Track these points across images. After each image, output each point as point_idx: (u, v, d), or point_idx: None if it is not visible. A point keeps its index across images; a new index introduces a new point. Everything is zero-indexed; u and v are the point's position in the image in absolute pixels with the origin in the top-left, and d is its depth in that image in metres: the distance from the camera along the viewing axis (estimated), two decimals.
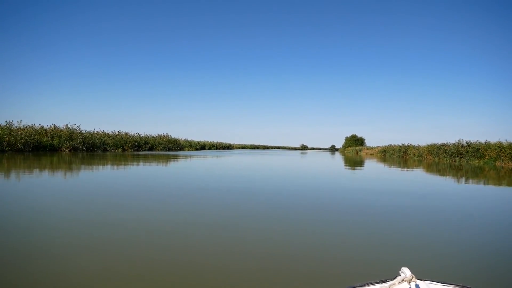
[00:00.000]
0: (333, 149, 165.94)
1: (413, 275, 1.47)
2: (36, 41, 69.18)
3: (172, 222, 4.54)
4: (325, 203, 6.63)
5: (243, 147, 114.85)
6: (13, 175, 10.26)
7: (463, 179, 13.99)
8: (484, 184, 12.31)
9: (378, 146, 61.92)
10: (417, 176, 14.84)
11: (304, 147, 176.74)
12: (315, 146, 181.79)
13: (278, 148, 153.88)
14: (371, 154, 62.42)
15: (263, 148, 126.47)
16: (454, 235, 4.40)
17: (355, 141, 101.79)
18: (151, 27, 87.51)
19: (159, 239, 3.75)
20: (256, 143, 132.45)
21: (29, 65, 70.81)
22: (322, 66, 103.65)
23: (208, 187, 8.56)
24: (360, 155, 60.79)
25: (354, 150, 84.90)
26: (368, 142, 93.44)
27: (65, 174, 10.94)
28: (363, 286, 1.54)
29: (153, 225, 4.34)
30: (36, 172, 11.44)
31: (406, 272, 1.49)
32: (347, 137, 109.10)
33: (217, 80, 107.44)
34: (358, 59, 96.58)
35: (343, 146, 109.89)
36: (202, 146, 68.22)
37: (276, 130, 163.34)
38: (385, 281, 1.52)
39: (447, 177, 14.88)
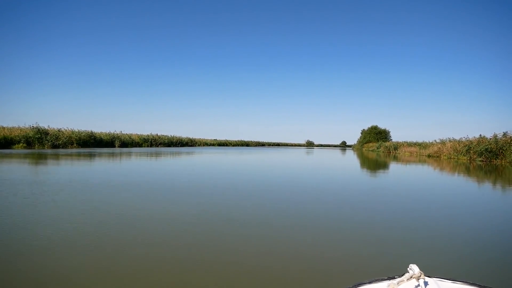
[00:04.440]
0: (344, 145, 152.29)
1: (422, 272, 1.46)
2: (30, 40, 64.30)
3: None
4: (334, 201, 6.54)
5: (224, 143, 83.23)
6: None
7: None
8: None
9: (451, 140, 29.49)
10: None
11: (310, 144, 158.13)
12: (323, 143, 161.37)
13: (278, 145, 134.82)
14: (428, 156, 30.38)
15: (254, 145, 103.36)
16: (464, 233, 4.33)
17: (376, 135, 69.94)
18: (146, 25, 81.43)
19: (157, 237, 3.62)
20: (261, 140, 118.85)
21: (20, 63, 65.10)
22: (327, 63, 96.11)
23: None
24: (396, 156, 32.45)
25: (381, 146, 52.45)
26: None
27: None
28: (370, 282, 1.52)
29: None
30: None
31: (414, 269, 1.48)
32: (364, 130, 79.40)
33: (216, 78, 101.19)
34: (366, 55, 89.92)
35: (359, 141, 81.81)
36: (93, 141, 35.95)
37: (280, 127, 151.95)
38: (393, 278, 1.52)
39: None
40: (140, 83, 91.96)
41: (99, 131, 39.10)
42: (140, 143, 45.89)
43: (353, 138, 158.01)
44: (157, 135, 50.42)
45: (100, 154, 20.29)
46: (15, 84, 67.56)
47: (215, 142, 79.11)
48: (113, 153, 22.75)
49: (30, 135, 27.08)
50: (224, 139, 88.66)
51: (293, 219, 4.73)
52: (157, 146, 47.76)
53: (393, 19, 77.62)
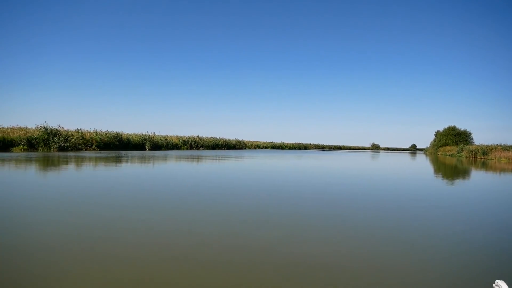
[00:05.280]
0: (414, 149, 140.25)
1: None
2: (32, 40, 58.55)
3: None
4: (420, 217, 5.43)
5: (279, 146, 77.26)
6: None
7: None
8: None
9: None
10: None
11: (375, 147, 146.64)
12: (389, 146, 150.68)
13: (340, 148, 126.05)
14: None
15: (313, 148, 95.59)
16: None
17: (454, 137, 59.82)
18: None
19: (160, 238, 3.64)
20: (321, 143, 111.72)
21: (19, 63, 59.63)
22: (395, 60, 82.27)
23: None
24: (487, 164, 24.86)
25: (464, 150, 42.94)
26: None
27: None
28: None
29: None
30: None
31: (502, 286, 1.35)
32: (439, 131, 69.57)
33: (276, 80, 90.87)
34: (439, 48, 76.18)
35: (432, 145, 71.23)
36: (118, 143, 32.00)
37: (344, 129, 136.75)
38: None
39: None
40: (192, 85, 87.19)
41: (130, 132, 35.47)
42: (179, 145, 41.74)
43: (424, 140, 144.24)
44: (198, 136, 45.88)
45: (96, 159, 15.48)
46: (33, 82, 63.80)
47: (268, 145, 73.39)
48: (117, 157, 17.99)
49: (34, 136, 23.45)
50: (281, 141, 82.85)
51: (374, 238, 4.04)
52: (198, 149, 43.33)
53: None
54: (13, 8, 51.49)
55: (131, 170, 11.64)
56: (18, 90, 59.50)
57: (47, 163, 13.45)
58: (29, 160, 14.39)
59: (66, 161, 14.33)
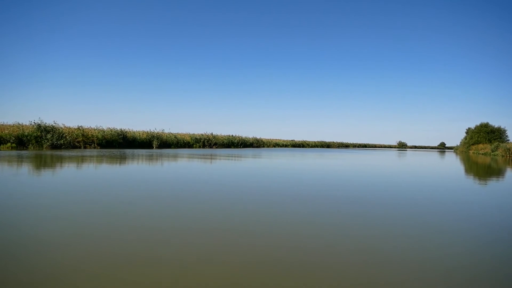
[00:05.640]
0: (442, 147, 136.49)
1: None
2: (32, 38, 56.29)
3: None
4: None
5: (301, 144, 74.56)
6: None
7: None
8: None
9: None
10: None
11: (402, 145, 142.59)
12: (417, 144, 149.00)
13: (365, 146, 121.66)
14: None
15: (336, 147, 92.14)
16: None
17: (487, 134, 55.45)
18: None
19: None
20: (345, 141, 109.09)
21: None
22: (421, 56, 79.73)
23: None
24: None
25: (499, 148, 39.20)
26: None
27: None
28: None
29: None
30: None
31: None
32: (470, 128, 63.91)
33: (298, 78, 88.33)
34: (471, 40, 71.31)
35: (463, 143, 65.70)
36: (122, 141, 30.04)
37: (369, 127, 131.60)
38: None
39: None
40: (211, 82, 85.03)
41: (137, 130, 33.63)
42: (191, 143, 39.68)
43: (454, 138, 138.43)
44: (211, 134, 43.64)
45: (82, 157, 13.36)
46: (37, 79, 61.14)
47: (289, 143, 70.65)
48: (110, 156, 15.82)
49: (25, 133, 21.75)
50: (302, 139, 79.93)
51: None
52: (211, 147, 41.17)
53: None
54: (13, 6, 50.43)
55: (106, 169, 9.43)
56: (19, 88, 58.14)
57: (15, 162, 11.37)
58: None
59: (39, 161, 12.25)
